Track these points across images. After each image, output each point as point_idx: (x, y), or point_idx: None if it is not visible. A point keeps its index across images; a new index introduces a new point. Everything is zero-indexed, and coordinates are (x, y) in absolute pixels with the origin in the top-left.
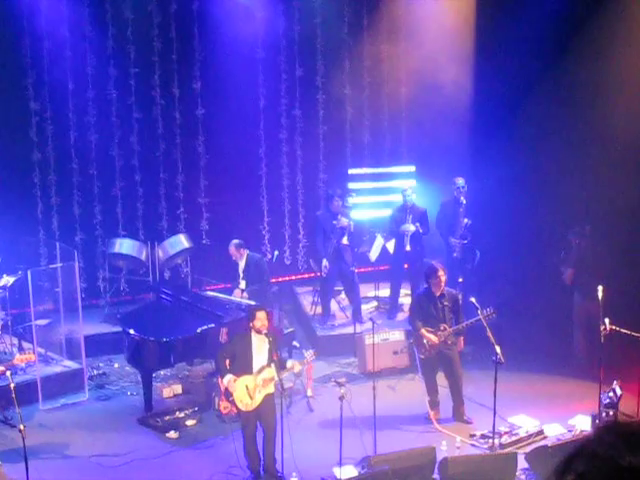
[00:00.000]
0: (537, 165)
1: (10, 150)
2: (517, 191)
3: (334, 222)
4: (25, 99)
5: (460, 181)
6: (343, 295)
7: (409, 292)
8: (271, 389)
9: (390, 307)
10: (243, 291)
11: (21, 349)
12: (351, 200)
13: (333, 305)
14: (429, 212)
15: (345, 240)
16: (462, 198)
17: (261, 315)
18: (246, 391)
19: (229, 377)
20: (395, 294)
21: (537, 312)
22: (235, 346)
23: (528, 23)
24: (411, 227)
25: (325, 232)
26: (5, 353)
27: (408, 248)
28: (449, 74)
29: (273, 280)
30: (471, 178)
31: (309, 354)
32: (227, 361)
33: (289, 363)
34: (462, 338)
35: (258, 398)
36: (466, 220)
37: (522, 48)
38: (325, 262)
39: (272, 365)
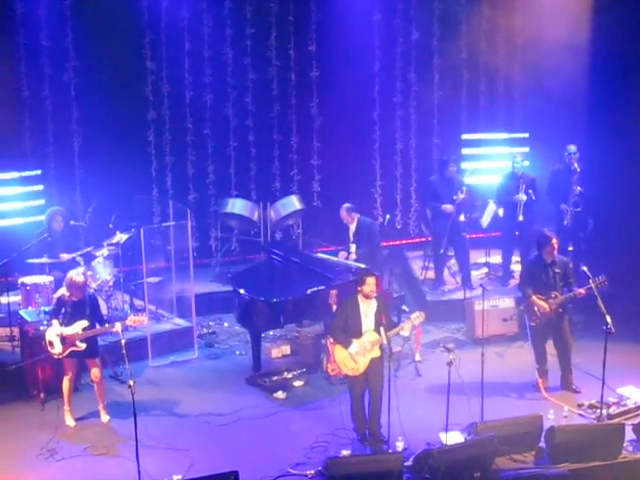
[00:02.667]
0: None
1: (126, 108)
2: (632, 160)
3: (454, 197)
4: (142, 58)
5: (572, 148)
6: (453, 260)
7: (519, 259)
8: (377, 352)
9: (502, 274)
10: (349, 254)
11: (132, 306)
12: (467, 177)
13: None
14: (542, 179)
15: (462, 217)
16: (575, 165)
17: (370, 280)
18: (349, 355)
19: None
20: (507, 261)
21: None
22: (346, 312)
23: None
24: (524, 197)
25: (438, 198)
26: (116, 309)
27: (521, 218)
28: (564, 40)
29: (384, 244)
30: (585, 146)
31: (416, 315)
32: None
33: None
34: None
35: (363, 362)
36: (578, 188)
37: None
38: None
39: (379, 328)
